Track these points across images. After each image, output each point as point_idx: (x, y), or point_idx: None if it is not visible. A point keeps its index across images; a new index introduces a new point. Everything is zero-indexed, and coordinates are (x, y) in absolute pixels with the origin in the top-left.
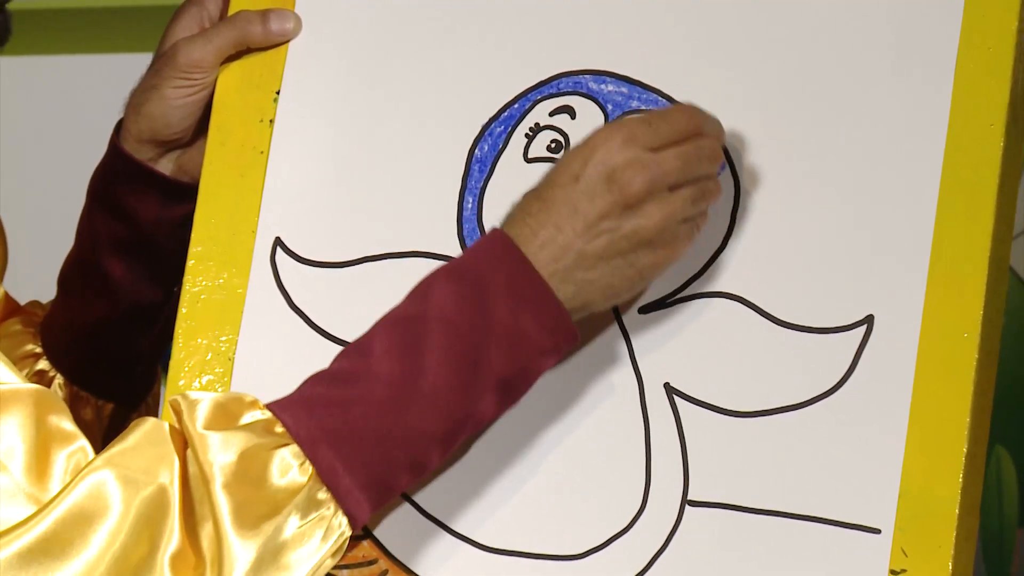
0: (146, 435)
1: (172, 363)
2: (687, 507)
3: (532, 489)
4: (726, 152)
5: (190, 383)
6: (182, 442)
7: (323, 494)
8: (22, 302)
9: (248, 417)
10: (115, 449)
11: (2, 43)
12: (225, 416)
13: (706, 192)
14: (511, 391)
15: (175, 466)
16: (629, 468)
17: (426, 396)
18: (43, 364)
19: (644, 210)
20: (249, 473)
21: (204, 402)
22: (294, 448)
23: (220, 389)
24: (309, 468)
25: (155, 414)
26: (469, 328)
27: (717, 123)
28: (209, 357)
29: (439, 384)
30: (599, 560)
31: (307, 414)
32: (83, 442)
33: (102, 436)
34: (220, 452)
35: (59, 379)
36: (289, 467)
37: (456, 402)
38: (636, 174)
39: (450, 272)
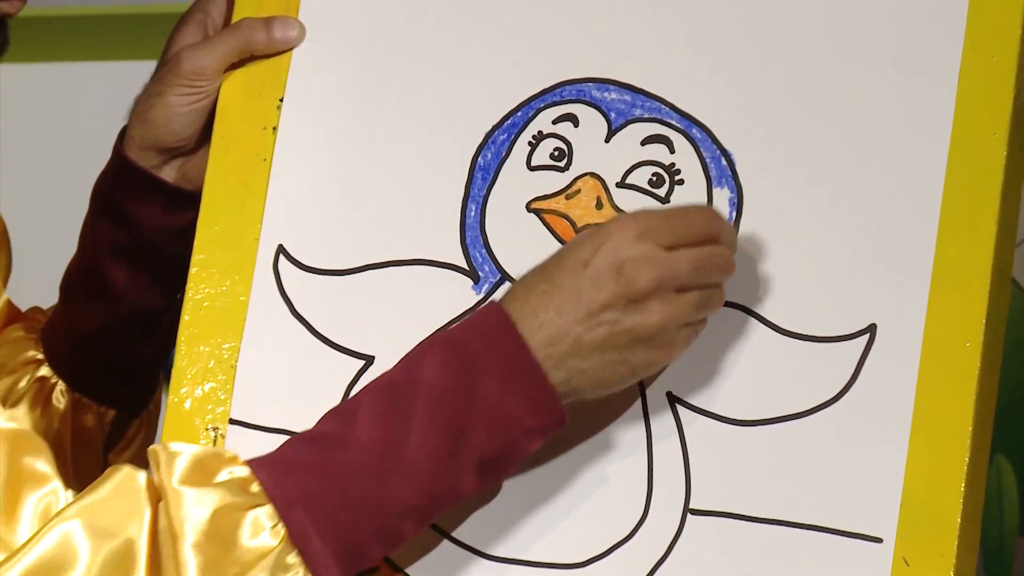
0: (118, 486)
1: (175, 370)
2: (689, 515)
3: (534, 497)
4: (729, 160)
5: (192, 390)
6: (156, 494)
7: (293, 558)
8: (24, 308)
9: (225, 473)
10: (86, 499)
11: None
12: (202, 472)
13: (711, 300)
14: (493, 469)
15: (145, 520)
16: (631, 476)
17: (407, 468)
18: (44, 370)
19: (647, 307)
20: (220, 532)
21: (183, 456)
22: (268, 509)
23: (223, 396)
24: (281, 531)
25: (156, 421)
26: (456, 403)
27: (732, 231)
28: (211, 364)
29: (421, 457)
30: (601, 568)
31: (285, 475)
32: (56, 484)
33: (103, 443)
34: (193, 509)
35: (61, 385)
36: (261, 528)
37: (437, 477)
38: (644, 270)
39: (443, 343)
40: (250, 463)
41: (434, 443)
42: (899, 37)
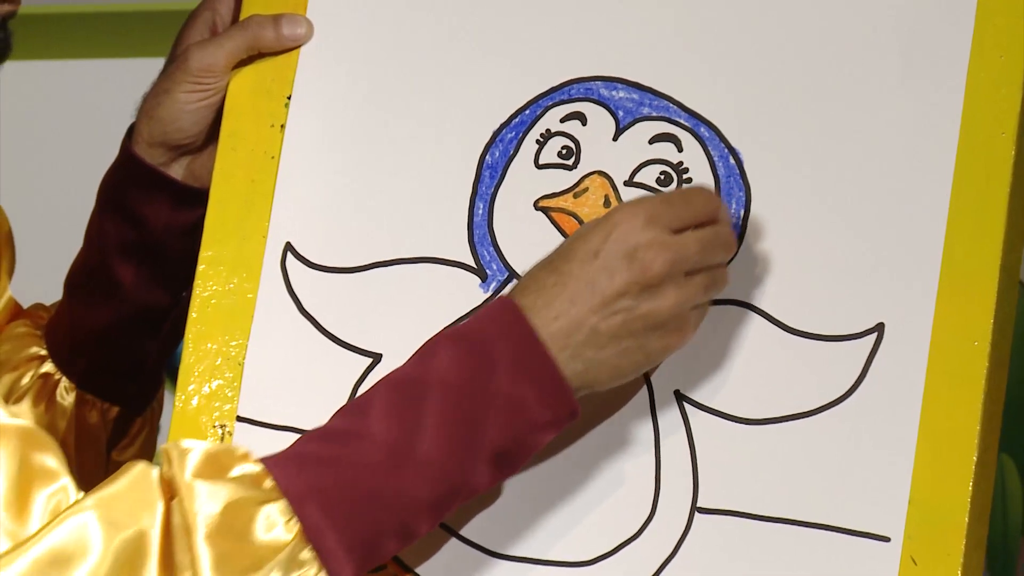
0: (133, 480)
1: (182, 368)
2: (696, 514)
3: (542, 495)
4: (737, 158)
5: (200, 387)
6: (169, 489)
7: (307, 553)
8: (27, 304)
9: (238, 470)
10: (100, 492)
11: (3, 58)
12: (215, 467)
13: (718, 280)
14: (507, 463)
15: (158, 513)
16: (639, 475)
17: (420, 462)
18: (48, 367)
19: (662, 292)
20: (233, 526)
21: (195, 451)
22: (282, 504)
23: (230, 394)
24: (295, 526)
25: (159, 419)
26: (469, 396)
27: (728, 211)
28: (219, 362)
29: (434, 451)
30: (608, 567)
31: (298, 470)
32: (66, 481)
33: (107, 440)
34: (206, 502)
35: (64, 382)
36: (275, 523)
37: (450, 470)
38: (658, 255)
39: (455, 337)
40: (263, 459)
41: (447, 437)
42: (907, 36)
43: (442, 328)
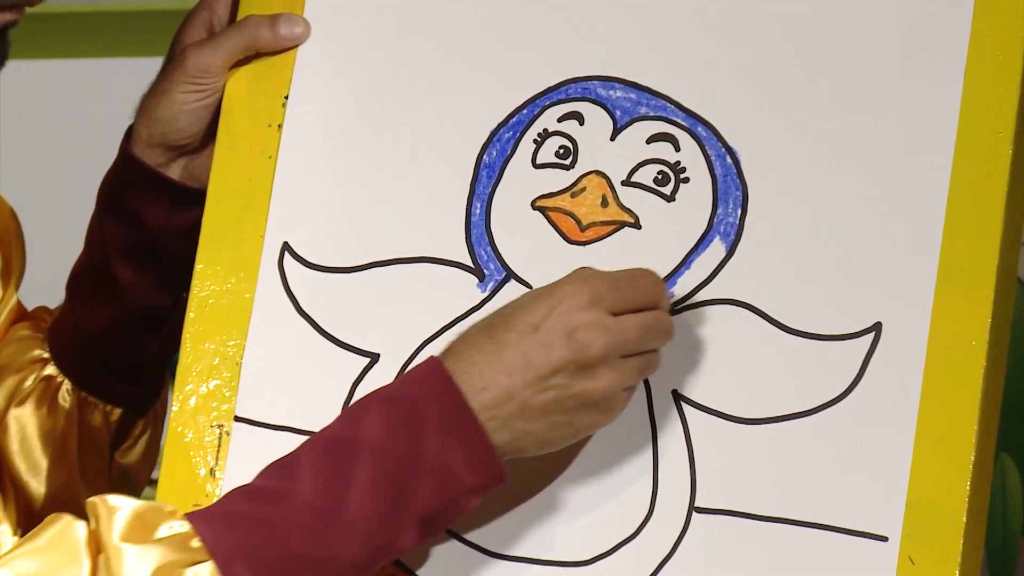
0: (55, 538)
1: (179, 368)
2: (694, 514)
3: (539, 495)
4: (734, 158)
5: (197, 387)
6: (96, 547)
7: None
8: (31, 307)
9: (165, 529)
10: (19, 550)
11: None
12: (142, 527)
13: (650, 364)
14: (433, 525)
15: (84, 570)
16: (636, 474)
17: (348, 524)
18: (51, 369)
19: (596, 373)
20: None
21: (122, 510)
22: (209, 565)
23: (228, 394)
24: None
25: (162, 420)
26: (397, 460)
27: (667, 298)
28: (216, 362)
29: (362, 513)
30: (606, 566)
31: (226, 530)
32: (3, 528)
33: (110, 441)
34: (134, 566)
35: (67, 384)
36: None
37: (378, 533)
38: (597, 337)
39: (385, 399)
40: (190, 517)
41: (375, 500)
42: (905, 36)
43: (439, 329)
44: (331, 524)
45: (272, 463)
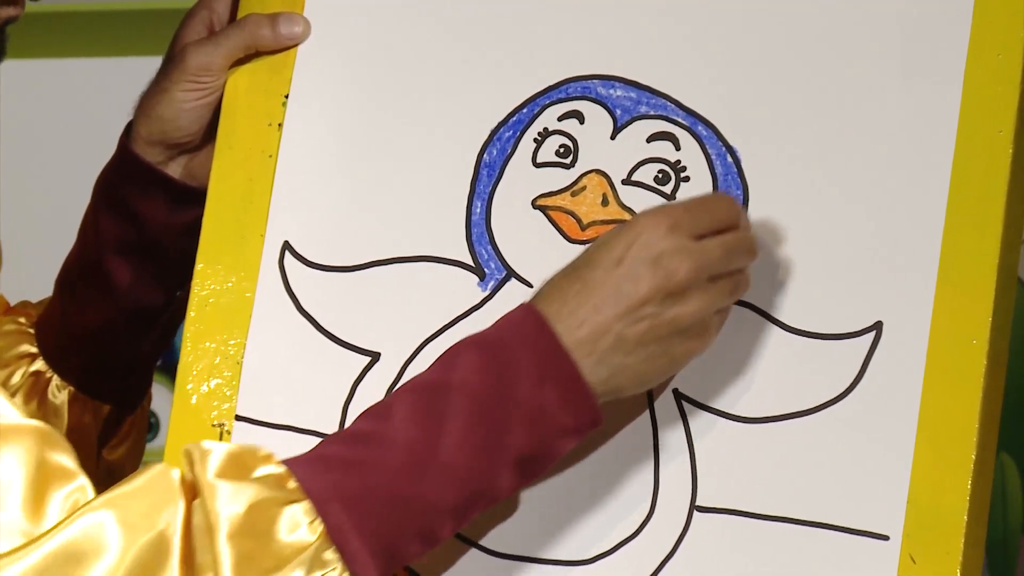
0: (152, 480)
1: (180, 367)
2: (695, 513)
3: (540, 494)
4: (734, 157)
5: (198, 387)
6: (191, 490)
7: (330, 554)
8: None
9: (262, 470)
10: (117, 491)
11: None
12: (238, 467)
13: (739, 285)
14: (529, 469)
15: (179, 513)
16: (637, 473)
17: (443, 466)
18: (39, 365)
19: (686, 298)
20: (256, 526)
21: (217, 452)
22: (305, 505)
23: (228, 393)
24: (319, 526)
25: (148, 418)
26: (492, 402)
27: (747, 217)
28: (217, 361)
29: (457, 456)
30: (607, 565)
31: (322, 472)
32: (83, 480)
33: (98, 438)
34: (229, 502)
35: (56, 380)
36: (298, 524)
37: (473, 475)
38: (683, 261)
39: (478, 343)
40: (286, 461)
41: (470, 442)
42: (905, 35)
43: (440, 327)
44: (426, 466)
45: (366, 409)
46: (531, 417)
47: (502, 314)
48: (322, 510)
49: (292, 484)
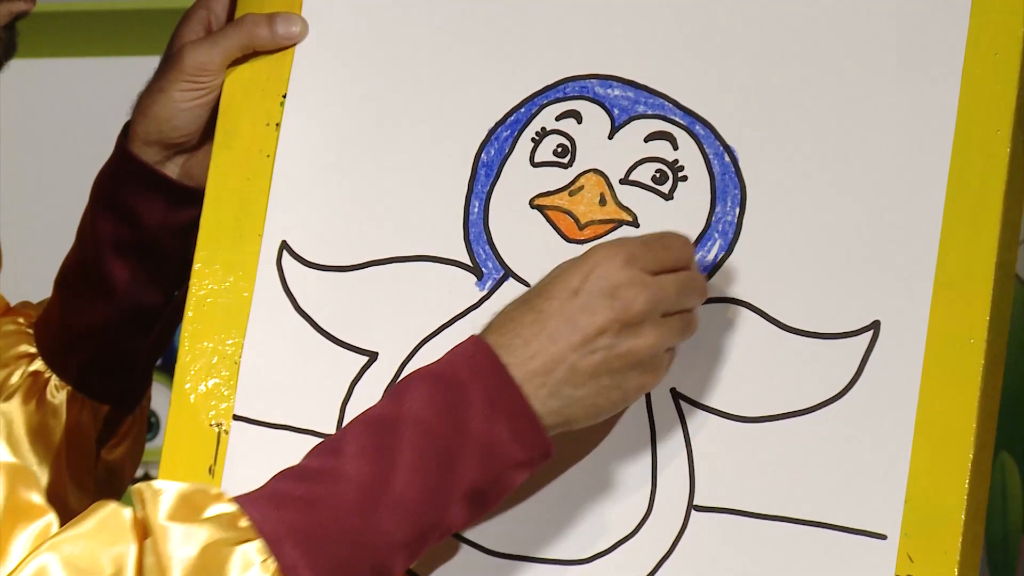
0: (102, 522)
1: (178, 367)
2: (693, 512)
3: (538, 494)
4: (732, 156)
5: (196, 387)
6: (142, 530)
7: None
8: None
9: (213, 510)
10: (66, 534)
11: (8, 58)
12: (189, 508)
13: (690, 324)
14: (481, 502)
15: (131, 557)
16: (635, 473)
17: (395, 501)
18: (38, 365)
19: (641, 331)
20: (209, 568)
21: (168, 492)
22: (258, 544)
23: (226, 392)
24: (272, 565)
25: (147, 418)
26: (443, 435)
27: (695, 257)
28: (215, 361)
29: (409, 490)
30: (605, 565)
31: (274, 509)
32: (51, 518)
33: (96, 438)
34: (181, 545)
35: (54, 380)
36: (251, 563)
37: (425, 509)
38: (639, 293)
39: (429, 376)
40: (237, 499)
41: (422, 476)
42: (902, 34)
43: (438, 327)
44: (378, 501)
45: (317, 444)
46: (482, 451)
47: None
48: (275, 548)
49: (244, 523)
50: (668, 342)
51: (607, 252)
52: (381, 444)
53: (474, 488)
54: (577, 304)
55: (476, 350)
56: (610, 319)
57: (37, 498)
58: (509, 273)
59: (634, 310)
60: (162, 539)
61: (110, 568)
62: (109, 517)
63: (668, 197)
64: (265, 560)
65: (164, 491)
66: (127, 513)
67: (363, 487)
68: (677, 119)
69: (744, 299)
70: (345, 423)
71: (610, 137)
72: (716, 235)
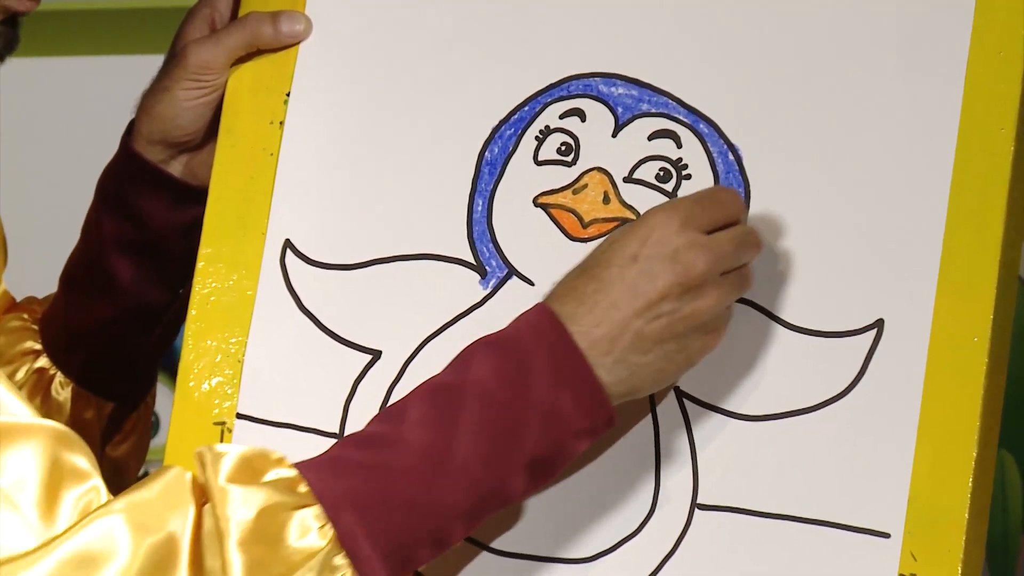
0: (165, 483)
1: (181, 365)
2: (696, 510)
3: (542, 492)
4: (736, 155)
5: (199, 385)
6: (201, 494)
7: (340, 559)
8: (23, 298)
9: (273, 474)
10: (131, 495)
11: (10, 51)
12: (249, 471)
13: (747, 279)
14: (542, 471)
15: (189, 516)
16: (639, 471)
17: (456, 470)
18: (43, 361)
19: (703, 292)
20: (266, 532)
21: (229, 455)
22: (316, 510)
23: (230, 391)
24: (329, 532)
25: (151, 415)
26: (506, 404)
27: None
28: (219, 359)
29: (470, 458)
30: (608, 563)
31: (333, 476)
32: (97, 482)
33: (101, 436)
34: (239, 507)
35: (59, 377)
36: (308, 529)
37: (486, 478)
38: (699, 255)
39: (493, 343)
40: (298, 465)
41: (483, 445)
42: (906, 33)
43: (441, 325)
44: (438, 468)
45: (383, 410)
46: (545, 419)
47: (503, 312)
48: (333, 515)
49: (303, 488)
50: (727, 299)
51: (664, 215)
52: (443, 411)
53: (536, 456)
54: (637, 270)
55: (540, 317)
56: (672, 283)
57: (83, 462)
58: (513, 271)
59: (695, 272)
60: (221, 502)
61: (170, 528)
62: (172, 479)
63: (672, 195)
64: (323, 526)
65: (226, 454)
66: (188, 476)
67: (424, 455)
68: (681, 117)
69: (748, 297)
70: (348, 422)
71: (614, 135)
72: None
